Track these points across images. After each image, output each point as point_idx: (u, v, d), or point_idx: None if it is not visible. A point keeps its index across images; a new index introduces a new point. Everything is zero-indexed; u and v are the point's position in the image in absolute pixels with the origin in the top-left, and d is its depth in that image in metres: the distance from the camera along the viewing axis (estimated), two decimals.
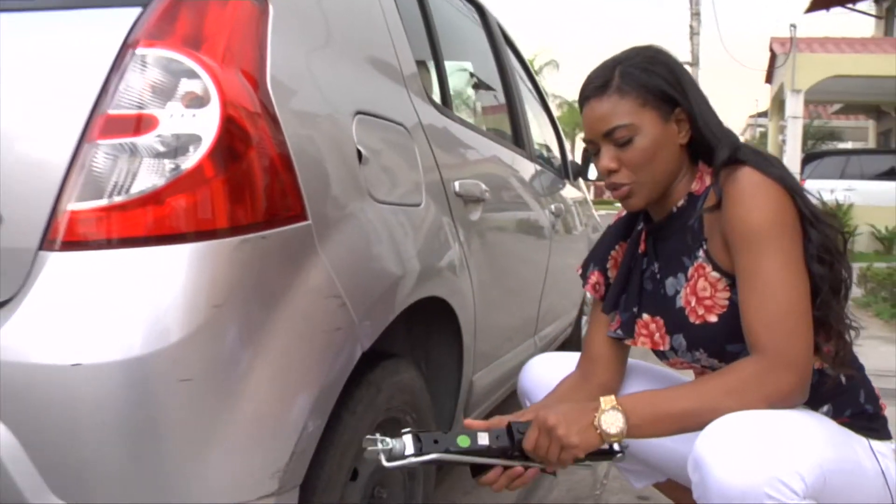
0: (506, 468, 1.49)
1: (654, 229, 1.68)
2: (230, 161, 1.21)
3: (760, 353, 1.42)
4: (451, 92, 2.42)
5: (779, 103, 16.33)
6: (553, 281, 3.22)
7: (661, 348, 1.65)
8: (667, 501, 2.07)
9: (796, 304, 1.42)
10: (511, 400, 3.10)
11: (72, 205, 1.17)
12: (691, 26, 20.60)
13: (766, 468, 1.28)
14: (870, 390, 1.60)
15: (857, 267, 7.09)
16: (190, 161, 1.19)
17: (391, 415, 1.72)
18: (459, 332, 2.01)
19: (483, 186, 2.20)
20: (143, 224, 1.17)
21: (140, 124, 1.19)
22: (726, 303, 1.52)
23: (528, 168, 3.03)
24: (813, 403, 1.52)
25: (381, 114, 1.68)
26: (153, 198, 1.17)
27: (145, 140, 1.19)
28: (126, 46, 1.21)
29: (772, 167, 1.49)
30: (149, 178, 1.18)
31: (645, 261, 1.70)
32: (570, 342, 4.10)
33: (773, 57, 15.66)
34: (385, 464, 1.38)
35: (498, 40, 3.17)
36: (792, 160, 13.44)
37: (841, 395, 1.57)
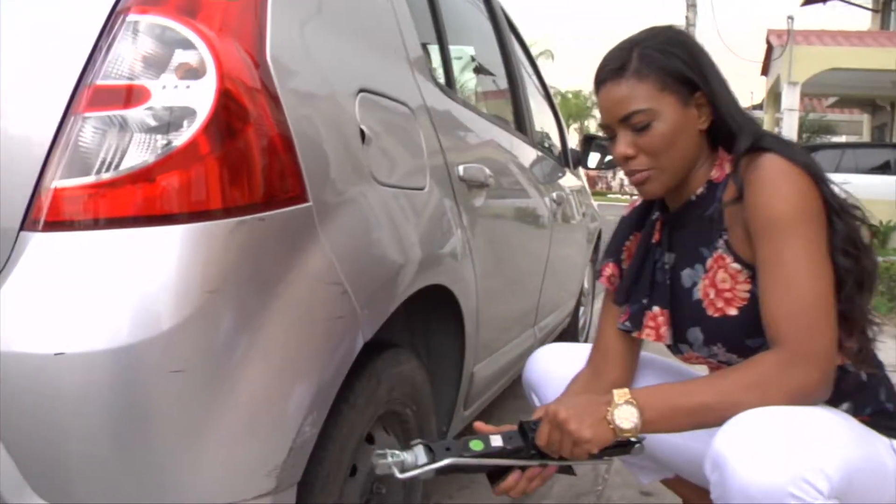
0: (523, 470, 1.42)
1: (671, 218, 1.61)
2: (226, 137, 1.13)
3: (781, 347, 1.36)
4: (455, 75, 2.35)
5: (775, 96, 16.29)
6: (553, 270, 3.16)
7: (665, 342, 1.59)
8: (671, 497, 2.00)
9: (820, 296, 1.36)
10: (510, 392, 3.05)
11: (56, 182, 1.09)
12: (687, 17, 20.48)
13: (791, 466, 1.21)
14: (889, 388, 1.54)
15: None
16: (183, 136, 1.11)
17: (391, 407, 1.65)
18: (461, 322, 1.94)
19: (487, 171, 2.12)
20: (132, 203, 1.09)
21: (130, 96, 1.12)
22: (747, 295, 1.46)
23: (530, 154, 2.96)
24: (833, 400, 1.45)
25: (384, 92, 1.60)
26: (143, 175, 1.09)
27: (135, 113, 1.11)
28: (116, 13, 1.13)
29: (797, 154, 1.42)
30: (139, 153, 1.10)
31: (658, 251, 1.63)
32: (567, 333, 4.07)
33: (770, 49, 15.62)
34: (399, 475, 1.32)
35: (502, 25, 3.10)
36: None
37: (861, 392, 1.51)
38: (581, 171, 4.39)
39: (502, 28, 3.09)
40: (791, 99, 13.98)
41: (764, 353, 1.38)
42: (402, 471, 1.32)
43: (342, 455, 1.40)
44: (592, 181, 24.96)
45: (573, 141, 4.33)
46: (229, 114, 1.14)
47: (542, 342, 3.00)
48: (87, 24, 1.13)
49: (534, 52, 3.97)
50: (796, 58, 13.54)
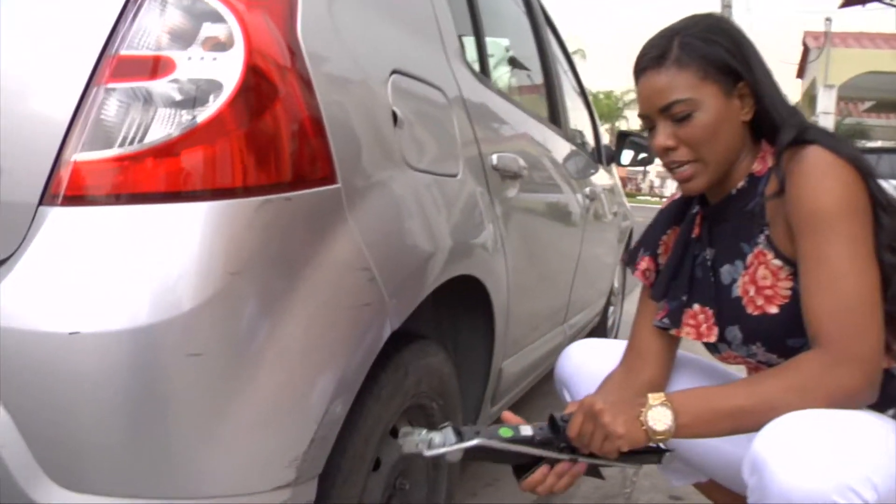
0: (552, 466, 1.37)
1: (711, 212, 1.54)
2: (253, 112, 1.09)
3: (824, 348, 1.29)
4: (490, 65, 2.29)
5: (810, 99, 16.09)
6: (584, 267, 3.10)
7: (707, 340, 1.52)
8: (702, 501, 1.94)
9: (865, 294, 1.29)
10: (537, 389, 2.99)
11: (76, 155, 1.05)
12: None
13: (836, 473, 1.15)
14: None
15: None
16: (208, 110, 1.06)
17: (417, 401, 1.60)
18: (490, 316, 1.88)
19: (521, 162, 2.07)
20: (154, 179, 1.05)
21: (154, 67, 1.07)
22: (789, 293, 1.39)
23: (564, 148, 2.90)
24: (879, 405, 1.38)
25: (418, 75, 1.55)
26: (166, 150, 1.05)
27: (160, 85, 1.07)
28: None
29: (843, 146, 1.35)
30: (162, 127, 1.06)
31: (698, 246, 1.57)
32: (596, 331, 4.02)
33: (806, 51, 15.45)
34: (426, 453, 1.28)
35: (538, 17, 3.05)
36: None
37: None
38: (614, 168, 4.33)
39: (538, 20, 3.04)
40: (827, 102, 13.81)
41: (805, 353, 1.32)
42: (430, 448, 1.28)
43: (366, 448, 1.35)
44: (623, 182, 24.84)
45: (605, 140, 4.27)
46: (257, 88, 1.09)
47: (572, 340, 2.94)
48: None
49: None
50: (833, 60, 13.36)
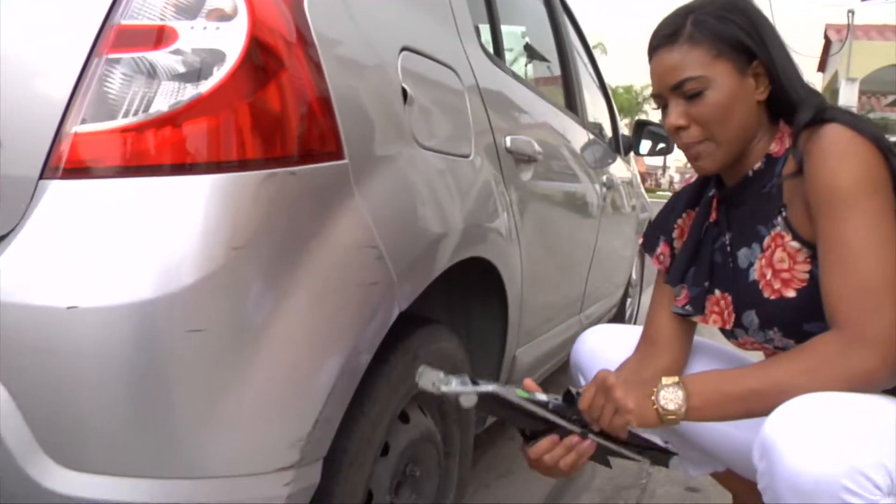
0: (561, 438, 1.34)
1: (727, 195, 1.51)
2: (257, 84, 1.06)
3: (840, 329, 1.26)
4: (505, 48, 2.26)
5: (832, 92, 15.96)
6: (601, 256, 3.06)
7: (728, 327, 1.49)
8: (717, 495, 1.90)
9: (884, 273, 1.25)
10: (553, 380, 2.96)
11: (77, 127, 1.02)
12: None
13: (847, 457, 1.11)
14: None
15: None
16: (211, 81, 1.04)
17: None
18: (504, 303, 1.85)
19: (535, 146, 2.03)
20: (155, 151, 1.02)
21: (156, 37, 1.05)
22: (806, 276, 1.35)
23: (580, 135, 2.86)
24: None
25: (429, 53, 1.52)
26: (168, 121, 1.02)
27: (162, 55, 1.04)
28: None
29: (862, 124, 1.31)
30: (164, 98, 1.03)
31: (716, 230, 1.53)
32: (614, 323, 3.94)
33: (828, 44, 15.31)
34: (442, 388, 1.25)
35: (555, 3, 3.00)
36: None
37: None
38: (633, 160, 4.28)
39: (555, 6, 2.99)
40: (849, 95, 13.70)
41: (821, 335, 1.28)
42: (444, 385, 1.26)
43: (374, 432, 1.32)
44: (642, 177, 24.73)
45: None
46: (261, 59, 1.06)
47: None
48: None
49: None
50: (855, 53, 13.24)
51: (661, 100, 1.43)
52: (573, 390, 1.36)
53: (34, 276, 0.99)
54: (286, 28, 1.11)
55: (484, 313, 1.90)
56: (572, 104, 2.93)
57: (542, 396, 1.33)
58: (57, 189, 1.02)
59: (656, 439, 1.38)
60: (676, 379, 1.29)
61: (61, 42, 1.06)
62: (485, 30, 2.11)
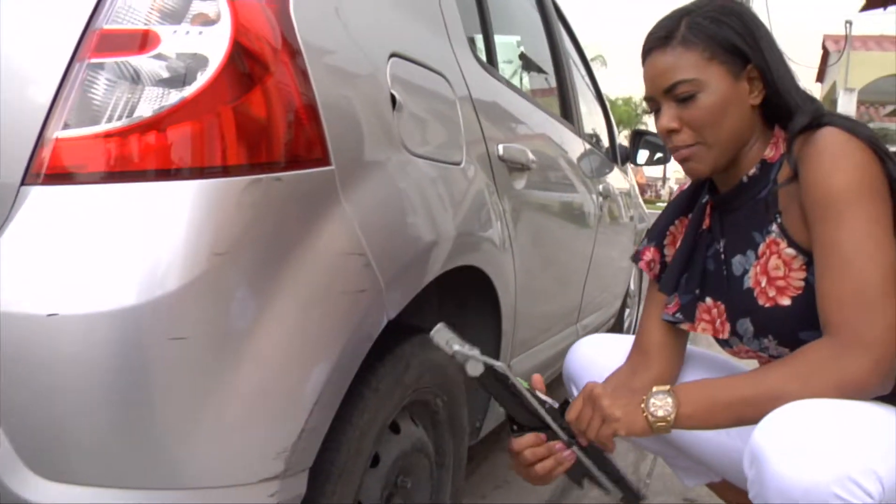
0: (549, 438, 1.35)
1: (721, 201, 1.49)
2: (241, 88, 1.04)
3: (833, 334, 1.24)
4: (498, 55, 2.25)
5: (830, 102, 15.97)
6: (598, 266, 3.04)
7: (722, 336, 1.47)
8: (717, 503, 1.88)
9: (877, 277, 1.23)
10: (549, 390, 2.93)
11: (58, 132, 1.01)
12: None
13: (837, 464, 1.09)
14: None
15: None
16: (194, 86, 1.02)
17: (420, 396, 1.55)
18: (497, 311, 1.83)
19: (529, 154, 2.02)
20: (137, 156, 1.01)
21: (139, 42, 1.03)
22: (801, 284, 1.34)
23: (576, 144, 2.85)
24: None
25: (419, 60, 1.50)
26: (150, 126, 1.01)
27: (144, 59, 1.03)
28: None
29: (859, 127, 1.30)
30: (146, 103, 1.02)
31: (709, 237, 1.51)
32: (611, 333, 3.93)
33: (826, 54, 15.34)
34: (455, 347, 1.27)
35: (549, 12, 3.00)
36: None
37: None
38: (630, 170, 4.27)
39: (550, 15, 2.99)
40: (847, 106, 13.71)
41: (813, 342, 1.27)
42: (458, 345, 1.27)
43: (362, 442, 1.30)
44: (642, 189, 24.73)
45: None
46: (245, 64, 1.05)
47: None
48: None
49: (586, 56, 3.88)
50: (853, 63, 13.25)
51: (653, 103, 1.42)
52: (569, 401, 1.36)
53: (14, 283, 0.97)
54: (271, 33, 1.09)
55: (478, 323, 1.88)
56: (568, 113, 2.92)
57: (542, 396, 1.33)
58: (38, 195, 1.00)
59: (632, 481, 1.40)
60: (667, 387, 1.28)
61: (43, 46, 1.05)
62: (476, 35, 2.09)
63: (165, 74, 1.03)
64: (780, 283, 1.36)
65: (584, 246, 2.86)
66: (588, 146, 3.08)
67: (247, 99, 1.05)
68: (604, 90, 4.04)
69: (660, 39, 1.38)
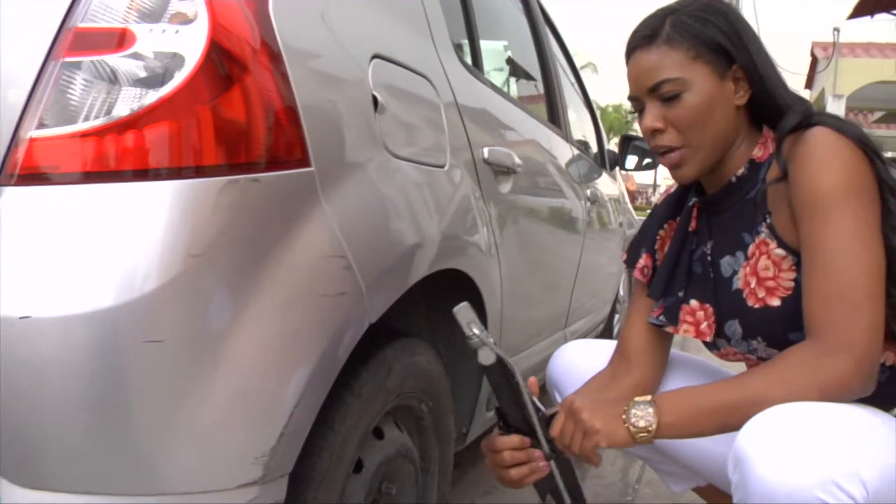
0: (532, 445, 1.34)
1: (709, 203, 1.48)
2: (218, 88, 1.03)
3: (816, 336, 1.23)
4: (485, 60, 2.23)
5: (819, 109, 16.01)
6: (586, 271, 3.03)
7: (707, 339, 1.46)
8: None
9: (860, 278, 1.22)
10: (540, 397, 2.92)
11: (33, 132, 0.99)
12: None
13: (821, 468, 1.08)
14: None
15: None
16: (170, 85, 1.01)
17: (404, 401, 1.54)
18: (483, 316, 1.81)
19: (515, 158, 2.01)
20: (112, 156, 0.99)
21: (115, 40, 1.02)
22: (791, 284, 1.32)
23: (563, 149, 2.84)
24: (883, 405, 1.32)
25: (401, 61, 1.49)
26: (125, 126, 0.99)
27: (120, 58, 1.01)
28: None
29: (849, 127, 1.29)
30: (122, 103, 1.00)
31: (695, 240, 1.50)
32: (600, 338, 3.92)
33: (815, 61, 15.39)
34: (475, 330, 1.26)
35: (536, 16, 2.99)
36: None
37: None
38: (619, 176, 4.26)
39: (536, 18, 2.98)
40: (836, 112, 13.69)
41: (796, 346, 1.26)
42: (477, 328, 1.26)
43: (344, 447, 1.29)
44: (633, 196, 24.76)
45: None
46: (222, 63, 1.04)
47: None
48: None
49: (577, 63, 3.87)
50: (842, 70, 13.30)
51: (637, 103, 1.41)
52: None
53: None
54: (249, 32, 1.08)
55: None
56: (555, 118, 2.91)
57: (538, 402, 1.33)
58: (11, 195, 0.98)
59: None
60: (649, 397, 1.26)
61: (17, 45, 1.03)
62: (462, 37, 2.08)
63: (142, 74, 1.01)
64: (770, 283, 1.35)
65: (572, 251, 2.85)
66: (576, 151, 3.07)
67: (224, 99, 1.03)
68: (595, 97, 4.04)
69: (644, 38, 1.37)
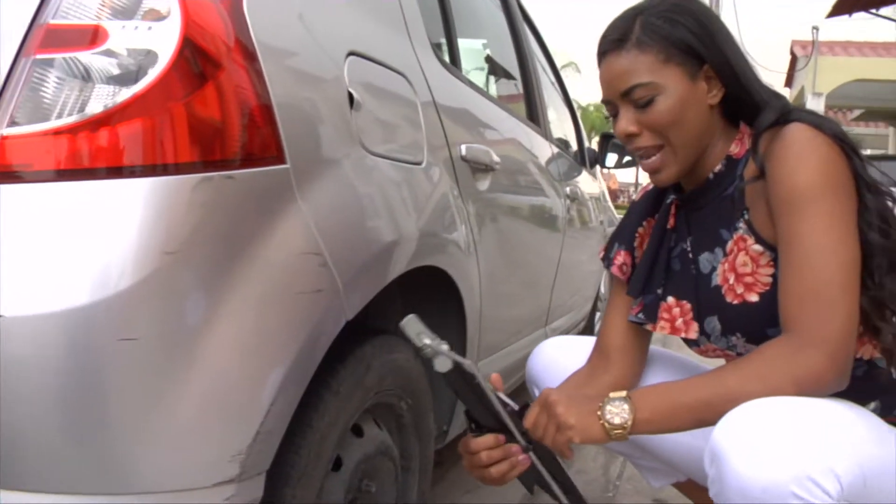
0: (507, 441, 1.32)
1: (687, 200, 1.48)
2: (192, 85, 1.03)
3: (791, 332, 1.23)
4: (463, 58, 2.24)
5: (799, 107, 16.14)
6: (566, 269, 3.03)
7: (684, 335, 1.46)
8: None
9: (835, 274, 1.22)
10: (517, 394, 2.93)
11: (4, 130, 0.99)
12: None
13: (796, 463, 1.08)
14: None
15: None
16: (143, 82, 1.00)
17: (383, 399, 1.53)
18: (462, 315, 1.81)
19: (493, 155, 2.01)
20: (86, 154, 0.99)
21: (86, 37, 1.01)
22: (769, 280, 1.33)
23: (542, 146, 2.84)
24: (860, 399, 1.32)
25: (378, 59, 1.49)
26: (98, 124, 0.99)
27: (92, 55, 1.01)
28: None
29: (826, 123, 1.29)
30: (94, 100, 1.00)
31: (674, 237, 1.50)
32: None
33: (794, 60, 15.49)
34: (425, 340, 1.22)
35: (514, 13, 2.98)
36: None
37: (892, 391, 1.37)
38: (600, 174, 4.27)
39: (514, 15, 2.98)
40: (816, 110, 13.83)
41: (771, 341, 1.26)
42: (428, 338, 1.22)
43: (322, 445, 1.28)
44: (614, 194, 24.80)
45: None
46: (195, 60, 1.03)
47: None
48: None
49: (558, 62, 3.87)
50: (821, 68, 13.38)
51: (611, 107, 1.40)
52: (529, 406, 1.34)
53: None
54: (223, 29, 1.08)
55: (444, 326, 1.87)
56: (534, 116, 2.91)
57: (504, 397, 1.31)
58: None
59: (581, 494, 1.39)
60: (624, 393, 1.26)
61: None
62: (439, 35, 2.08)
63: (115, 71, 1.01)
64: (749, 279, 1.35)
65: (552, 249, 2.85)
66: (556, 149, 3.07)
67: (198, 96, 1.03)
68: (577, 97, 4.05)
69: (614, 42, 1.36)
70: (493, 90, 2.80)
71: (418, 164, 1.58)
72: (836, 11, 13.61)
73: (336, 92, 1.30)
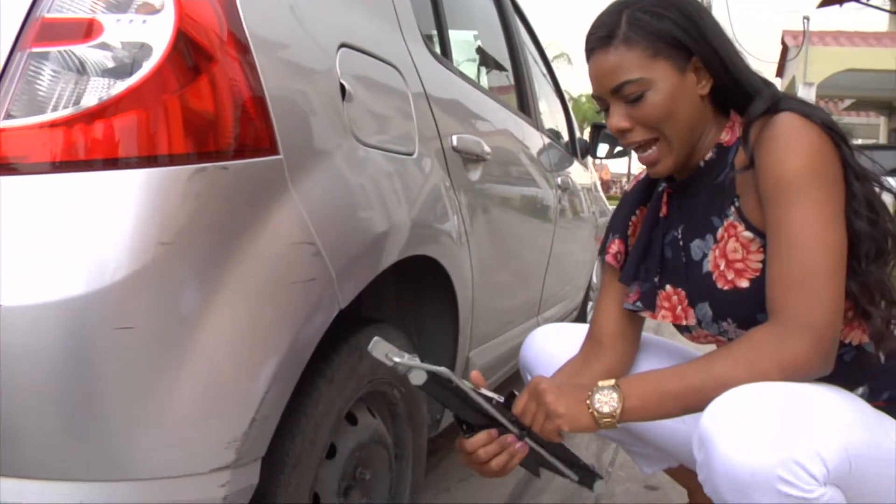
0: (501, 433, 1.34)
1: (679, 188, 1.49)
2: (186, 77, 1.04)
3: (776, 318, 1.25)
4: (454, 49, 2.25)
5: None
6: (558, 258, 3.05)
7: (683, 322, 1.48)
8: (677, 495, 1.90)
9: (821, 260, 1.24)
10: (509, 382, 2.94)
11: (0, 122, 1.00)
12: None
13: (782, 447, 1.11)
14: None
15: None
16: (137, 75, 1.02)
17: (377, 387, 1.55)
18: (454, 302, 1.83)
19: (484, 145, 2.02)
20: (81, 146, 1.00)
21: (82, 30, 1.02)
22: (759, 266, 1.35)
23: (533, 137, 2.85)
24: (847, 384, 1.34)
25: (369, 50, 1.50)
26: (93, 116, 1.00)
27: (87, 48, 1.02)
28: None
29: (815, 112, 1.31)
30: (89, 92, 1.01)
31: (666, 225, 1.52)
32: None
33: (785, 50, 15.49)
34: (395, 359, 1.23)
35: (504, 2, 2.99)
36: None
37: (880, 376, 1.39)
38: (591, 164, 4.28)
39: (505, 6, 2.99)
40: (807, 100, 13.86)
41: (757, 327, 1.28)
42: (397, 356, 1.24)
43: (317, 432, 1.30)
44: (606, 185, 24.81)
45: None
46: (189, 52, 1.05)
47: None
48: None
49: (550, 54, 3.87)
50: (812, 58, 13.40)
51: (602, 102, 1.41)
52: (516, 394, 1.36)
53: None
54: (216, 22, 1.09)
55: (437, 314, 1.89)
56: (525, 107, 2.92)
57: (487, 392, 1.33)
58: None
59: (587, 462, 1.40)
60: (613, 382, 1.28)
61: None
62: (430, 27, 2.09)
63: (109, 64, 1.02)
64: (739, 265, 1.37)
65: (544, 239, 2.87)
66: (547, 140, 3.09)
67: (192, 88, 1.04)
68: (569, 87, 4.06)
69: (601, 39, 1.36)
70: (484, 81, 2.80)
71: (410, 154, 1.60)
72: (828, 1, 13.66)
73: (328, 84, 1.31)
